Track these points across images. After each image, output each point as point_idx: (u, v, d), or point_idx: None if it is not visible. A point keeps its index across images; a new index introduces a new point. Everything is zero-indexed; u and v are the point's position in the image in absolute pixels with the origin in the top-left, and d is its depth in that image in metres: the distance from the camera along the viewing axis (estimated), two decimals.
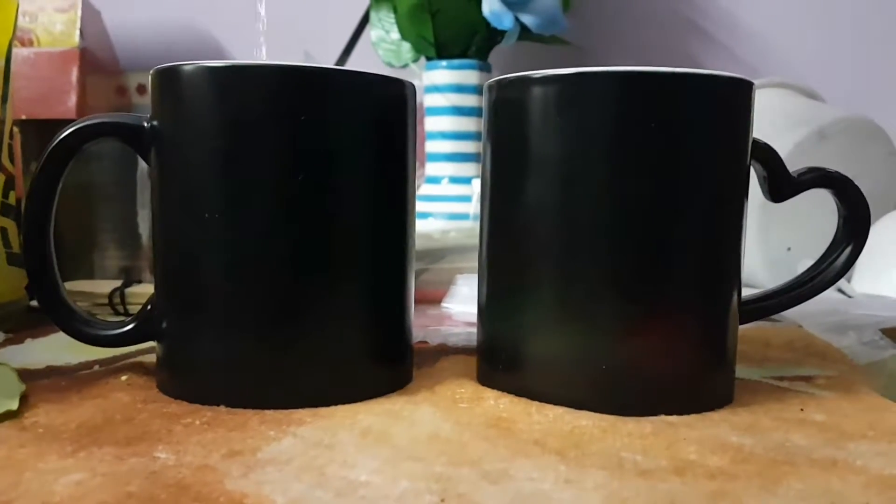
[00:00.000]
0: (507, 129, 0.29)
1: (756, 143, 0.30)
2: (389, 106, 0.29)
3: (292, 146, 0.27)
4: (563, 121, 0.27)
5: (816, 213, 0.47)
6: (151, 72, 0.28)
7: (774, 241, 0.53)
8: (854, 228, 0.33)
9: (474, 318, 0.32)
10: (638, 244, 0.27)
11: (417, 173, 0.72)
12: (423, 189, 0.68)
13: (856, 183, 0.32)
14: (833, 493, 0.21)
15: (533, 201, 0.28)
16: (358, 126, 0.28)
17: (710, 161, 0.28)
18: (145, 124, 0.29)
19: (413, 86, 0.30)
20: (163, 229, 0.29)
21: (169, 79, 0.28)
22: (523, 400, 0.28)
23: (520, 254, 0.29)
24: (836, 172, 0.32)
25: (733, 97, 0.28)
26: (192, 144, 0.27)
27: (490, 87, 0.30)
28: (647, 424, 0.26)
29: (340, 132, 0.28)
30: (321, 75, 0.27)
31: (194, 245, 0.28)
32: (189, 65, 0.27)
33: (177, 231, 0.28)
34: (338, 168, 0.28)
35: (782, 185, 0.32)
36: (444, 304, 0.48)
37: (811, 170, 0.32)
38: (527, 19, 0.62)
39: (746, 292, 0.34)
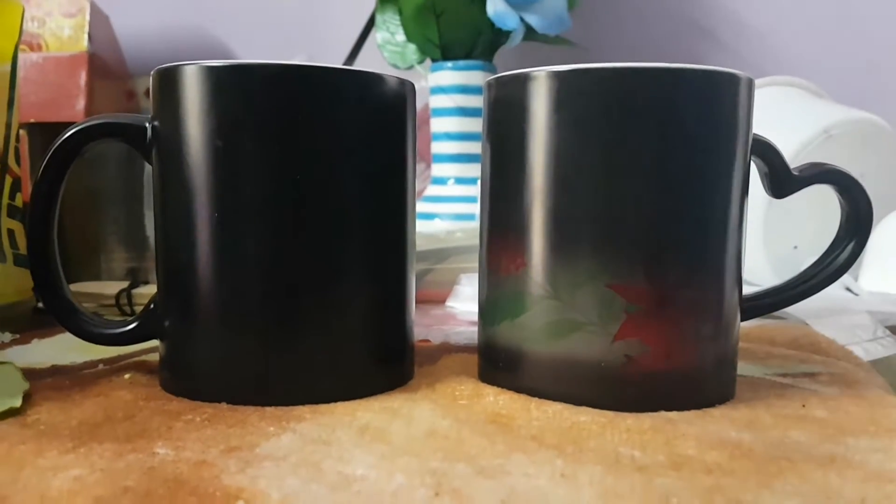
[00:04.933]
0: (505, 126, 0.29)
1: (757, 139, 0.30)
2: (388, 104, 0.29)
3: (290, 145, 0.27)
4: (560, 117, 0.27)
5: (823, 211, 0.47)
6: (152, 72, 0.29)
7: (780, 239, 0.53)
8: (856, 225, 0.33)
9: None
10: (635, 241, 0.27)
11: (423, 175, 0.73)
12: (428, 190, 0.69)
13: (862, 181, 0.32)
14: (830, 488, 0.21)
15: (530, 199, 0.28)
16: (356, 124, 0.28)
17: (708, 157, 0.28)
18: (147, 125, 0.29)
19: (412, 84, 0.30)
20: (164, 228, 0.29)
21: (169, 79, 0.28)
22: (523, 396, 0.28)
23: (517, 251, 0.29)
24: (838, 168, 0.32)
25: (731, 92, 0.28)
26: (192, 144, 0.27)
27: (489, 85, 0.30)
28: (647, 420, 0.26)
29: (338, 130, 0.28)
30: (318, 74, 0.27)
31: (195, 244, 0.28)
32: (188, 65, 0.27)
33: (178, 230, 0.28)
34: (336, 166, 0.28)
35: (783, 180, 0.32)
36: (447, 304, 0.49)
37: (813, 165, 0.32)
38: (532, 19, 0.62)
39: (752, 290, 0.34)
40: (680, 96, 0.27)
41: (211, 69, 0.27)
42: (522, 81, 0.28)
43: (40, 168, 0.29)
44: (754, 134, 0.30)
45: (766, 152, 0.31)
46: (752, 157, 0.30)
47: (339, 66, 0.27)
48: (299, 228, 0.27)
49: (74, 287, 0.46)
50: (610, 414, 0.27)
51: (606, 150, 0.27)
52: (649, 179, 0.27)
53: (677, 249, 0.27)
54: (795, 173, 0.32)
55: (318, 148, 0.27)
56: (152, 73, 0.29)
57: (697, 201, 0.28)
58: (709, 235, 0.28)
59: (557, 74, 0.27)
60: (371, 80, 0.28)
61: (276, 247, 0.27)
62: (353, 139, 0.28)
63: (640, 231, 0.27)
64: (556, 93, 0.28)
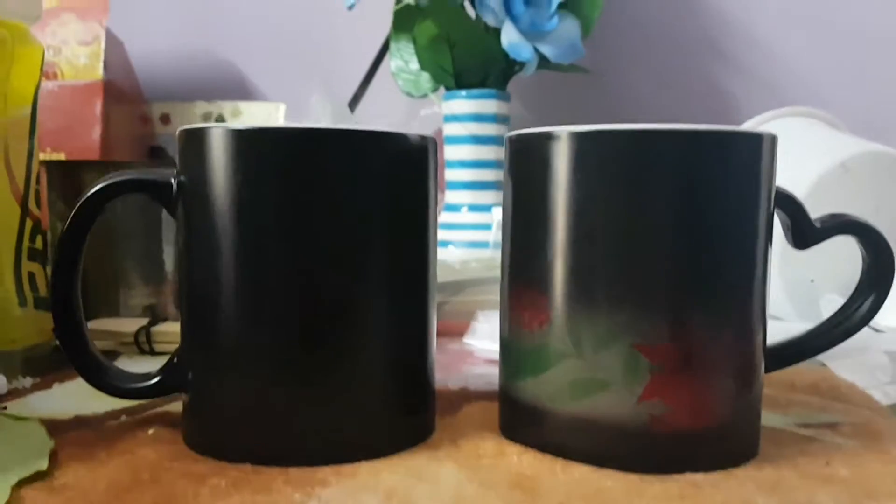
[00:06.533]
0: (526, 182, 0.30)
1: (779, 192, 0.30)
2: (410, 161, 0.29)
3: (313, 204, 0.27)
4: (580, 177, 0.28)
5: (840, 245, 0.47)
6: (178, 131, 0.29)
7: (797, 272, 0.53)
8: (878, 276, 0.33)
9: (495, 356, 0.32)
10: (659, 300, 0.27)
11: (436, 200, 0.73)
12: (442, 217, 0.69)
13: (878, 214, 0.32)
14: None
15: (552, 256, 0.28)
16: (380, 182, 0.28)
17: (731, 215, 0.28)
18: (172, 180, 0.29)
19: (434, 140, 0.30)
20: (189, 284, 0.29)
21: (195, 139, 0.28)
22: (547, 457, 0.28)
23: (540, 308, 0.29)
24: (860, 220, 0.32)
25: (753, 151, 0.28)
26: (217, 202, 0.28)
27: (510, 140, 0.30)
28: (673, 486, 0.26)
29: (361, 189, 0.28)
30: (341, 136, 0.27)
31: (218, 301, 0.28)
32: (214, 127, 0.27)
33: (202, 286, 0.29)
34: (360, 224, 0.28)
35: (806, 233, 0.32)
36: (465, 340, 0.49)
37: (834, 216, 0.32)
38: (545, 49, 0.62)
39: (771, 326, 0.34)
40: (701, 157, 0.27)
41: (236, 132, 0.27)
42: (543, 140, 0.28)
43: (65, 223, 0.29)
44: (777, 187, 0.30)
45: (789, 205, 0.31)
46: (775, 210, 0.30)
47: (363, 127, 0.28)
48: (323, 286, 0.27)
49: (93, 324, 0.46)
50: (635, 478, 0.27)
51: (628, 209, 0.27)
52: (672, 239, 0.27)
53: (702, 308, 0.27)
54: (817, 225, 0.32)
55: (341, 206, 0.28)
56: (178, 132, 0.29)
57: (721, 260, 0.28)
58: (734, 293, 0.28)
59: (577, 135, 0.28)
60: (394, 140, 0.29)
61: (300, 304, 0.27)
62: (376, 197, 0.28)
63: (665, 290, 0.27)
64: (576, 152, 0.28)
